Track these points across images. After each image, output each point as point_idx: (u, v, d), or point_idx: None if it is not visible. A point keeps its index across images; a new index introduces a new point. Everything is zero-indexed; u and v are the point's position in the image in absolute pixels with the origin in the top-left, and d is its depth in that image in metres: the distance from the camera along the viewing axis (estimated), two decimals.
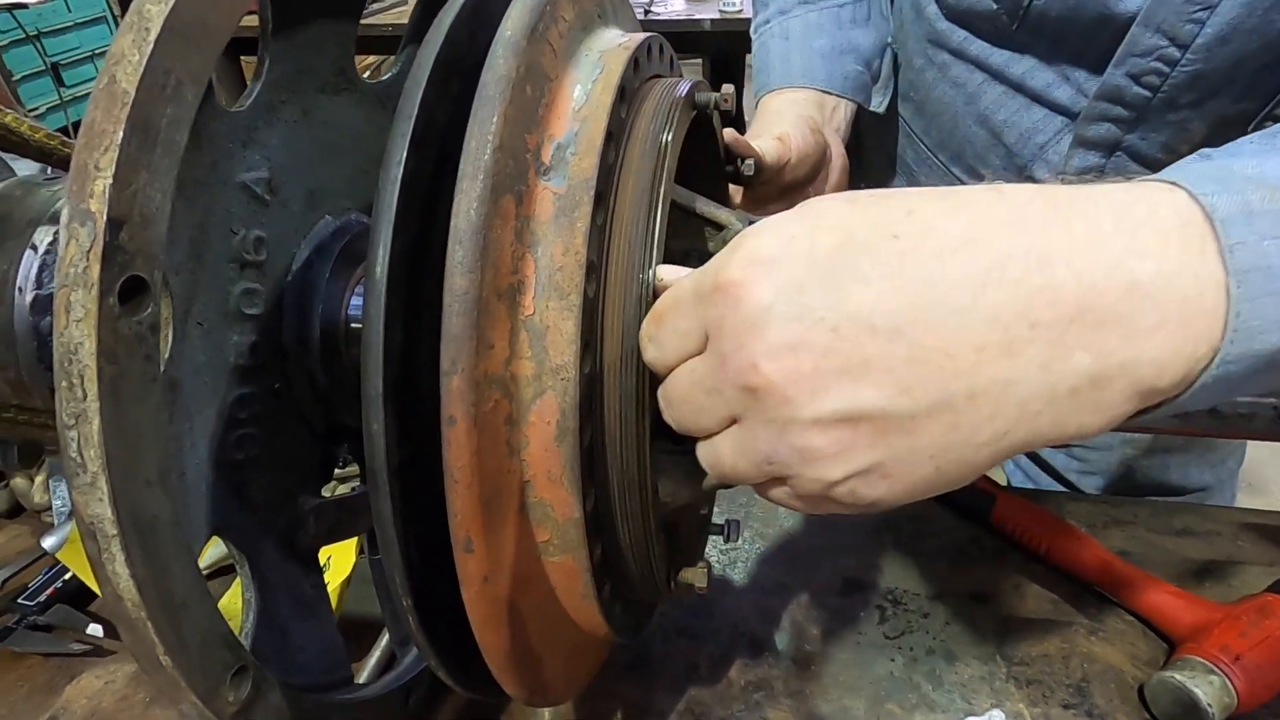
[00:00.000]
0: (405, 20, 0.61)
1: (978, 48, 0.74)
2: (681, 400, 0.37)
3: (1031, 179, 0.67)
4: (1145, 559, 0.74)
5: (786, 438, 0.33)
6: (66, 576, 0.79)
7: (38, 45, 5.18)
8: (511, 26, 0.40)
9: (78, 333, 0.34)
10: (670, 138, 0.45)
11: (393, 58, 0.63)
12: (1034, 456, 1.02)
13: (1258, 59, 0.61)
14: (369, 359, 0.38)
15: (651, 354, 0.38)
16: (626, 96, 0.45)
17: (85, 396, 0.34)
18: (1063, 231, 0.32)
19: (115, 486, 0.35)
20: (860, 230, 0.33)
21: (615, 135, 0.43)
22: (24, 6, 3.86)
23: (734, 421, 0.35)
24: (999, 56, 0.73)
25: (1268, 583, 0.68)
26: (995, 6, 0.70)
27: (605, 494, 0.43)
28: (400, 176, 0.38)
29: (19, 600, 0.77)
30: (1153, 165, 0.71)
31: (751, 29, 0.92)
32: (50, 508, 0.89)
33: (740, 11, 2.63)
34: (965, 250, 0.31)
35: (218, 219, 0.48)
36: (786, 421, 0.32)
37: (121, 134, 0.34)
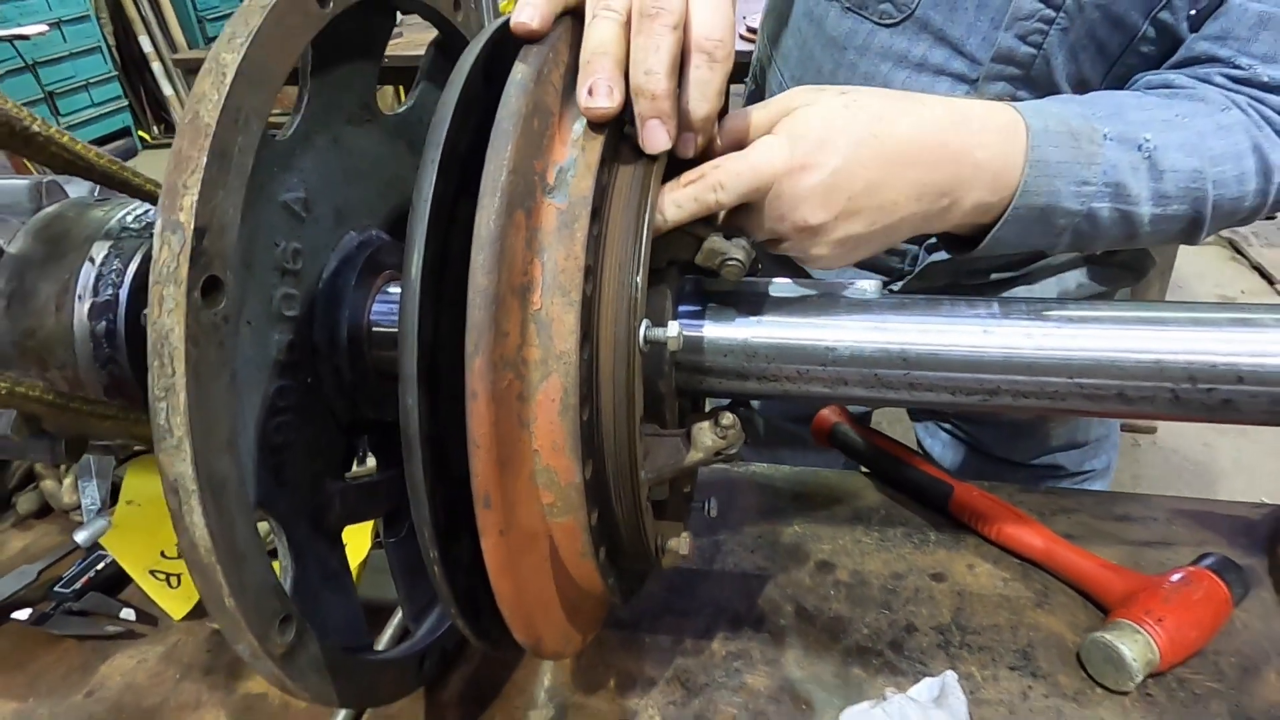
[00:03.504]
0: (400, 52, 0.69)
1: (879, 39, 0.84)
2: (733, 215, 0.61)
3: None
4: (1088, 541, 0.82)
5: (807, 247, 0.61)
6: (100, 566, 0.85)
7: (35, 74, 5.28)
8: (521, 71, 0.48)
9: (169, 321, 0.41)
10: (656, 163, 0.53)
11: (397, 88, 0.71)
12: (975, 446, 1.12)
13: (1105, 24, 0.73)
14: (404, 345, 0.45)
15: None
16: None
17: (174, 374, 0.41)
18: (952, 129, 0.61)
19: (196, 450, 0.42)
20: (861, 138, 0.59)
21: (607, 160, 0.51)
22: (25, 38, 3.94)
23: (773, 232, 0.61)
24: (899, 42, 0.83)
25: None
26: None
27: (601, 464, 0.50)
28: (431, 195, 0.46)
29: (55, 589, 0.83)
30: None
31: None
32: (79, 506, 0.95)
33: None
34: (907, 157, 0.60)
35: (264, 233, 0.55)
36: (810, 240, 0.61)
37: (205, 159, 0.42)
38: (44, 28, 4.53)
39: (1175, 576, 0.72)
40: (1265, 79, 0.70)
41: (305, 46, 0.50)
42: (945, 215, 0.63)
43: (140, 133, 6.29)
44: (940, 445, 1.18)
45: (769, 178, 0.57)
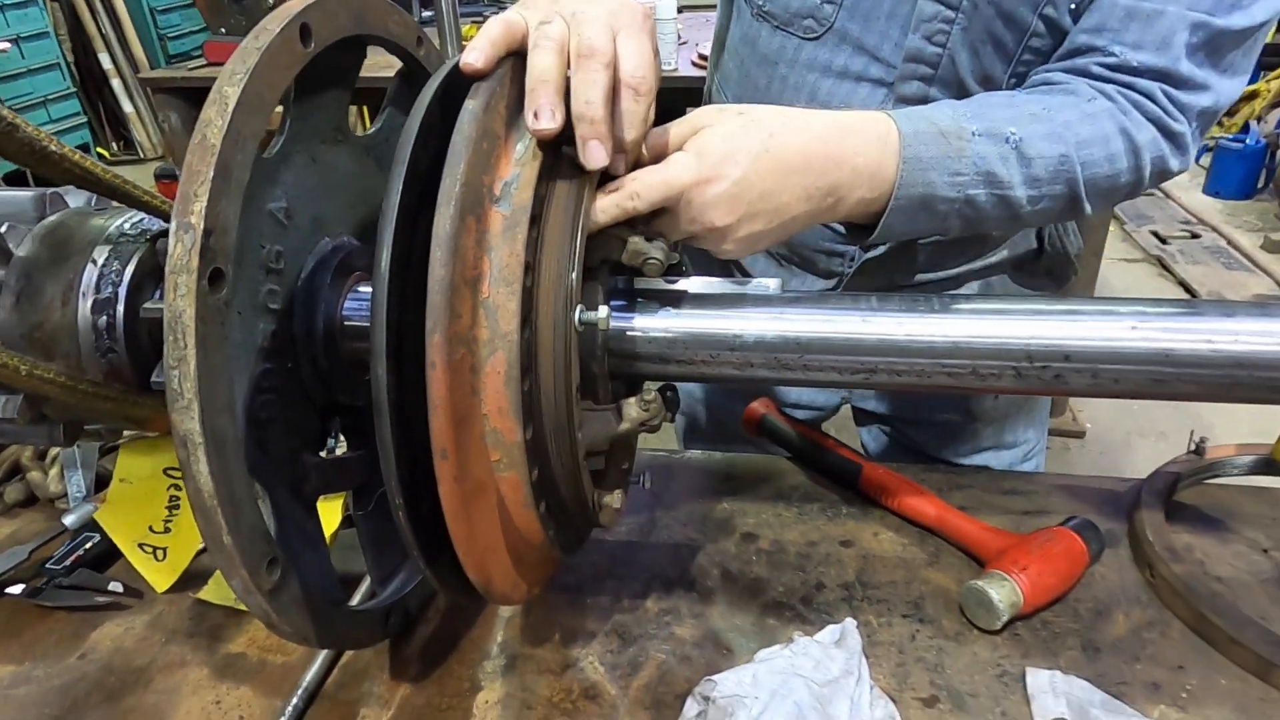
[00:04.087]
0: (365, 74, 0.77)
1: (805, 53, 0.96)
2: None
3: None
4: (977, 511, 0.94)
5: (716, 243, 0.73)
6: (88, 546, 0.92)
7: None
8: (472, 102, 0.59)
9: (182, 304, 0.50)
10: (587, 180, 0.64)
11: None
12: (911, 446, 1.24)
13: (999, 20, 0.84)
14: (375, 324, 0.55)
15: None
16: (555, 150, 0.63)
17: (185, 346, 0.50)
18: (835, 141, 0.73)
19: (203, 409, 0.51)
20: (756, 153, 0.70)
21: (545, 176, 0.61)
22: None
23: (687, 233, 0.72)
24: (823, 54, 0.95)
25: None
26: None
27: (540, 428, 0.61)
28: (397, 204, 0.56)
29: (46, 565, 0.90)
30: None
31: None
32: (64, 495, 1.02)
33: (675, 70, 2.89)
34: (795, 165, 0.71)
35: (252, 236, 0.65)
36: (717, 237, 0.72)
37: (211, 174, 0.52)
38: (4, 45, 4.53)
39: (1041, 535, 0.84)
40: (1135, 64, 0.81)
41: (291, 79, 0.60)
42: (834, 210, 0.76)
43: (99, 149, 6.27)
44: (880, 446, 1.29)
45: (679, 189, 0.68)
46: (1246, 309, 0.66)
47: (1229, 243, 4.51)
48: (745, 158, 0.70)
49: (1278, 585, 0.85)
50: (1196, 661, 0.77)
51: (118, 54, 6.17)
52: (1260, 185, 5.04)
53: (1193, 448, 0.97)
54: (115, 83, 6.23)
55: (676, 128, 0.73)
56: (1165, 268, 4.31)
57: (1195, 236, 4.61)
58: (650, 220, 0.71)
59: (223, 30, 3.47)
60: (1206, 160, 5.21)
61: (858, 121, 0.76)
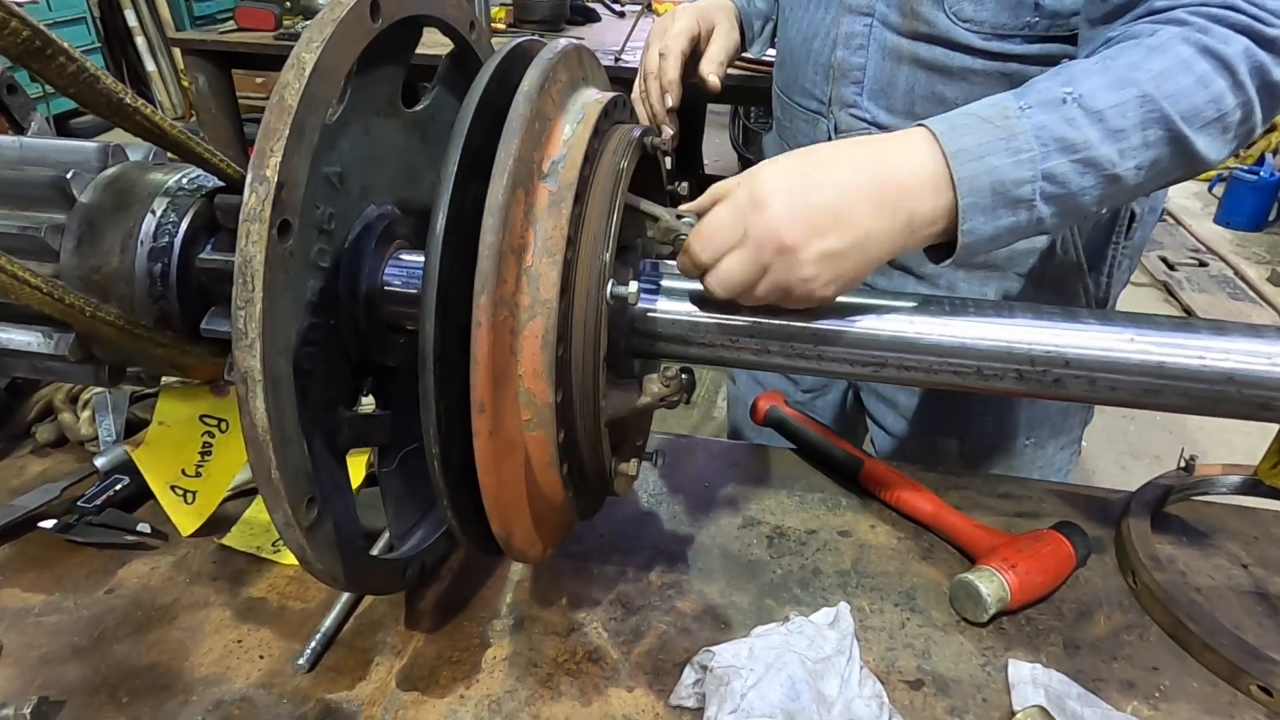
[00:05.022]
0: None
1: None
2: (728, 272, 0.69)
3: (830, 66, 1.07)
4: (971, 511, 0.98)
5: (795, 271, 0.68)
6: (117, 488, 0.96)
7: None
8: (528, 84, 0.63)
9: (253, 249, 0.54)
10: (625, 164, 0.67)
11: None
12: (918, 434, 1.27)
13: None
14: (428, 281, 0.59)
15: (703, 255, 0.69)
16: (599, 134, 0.67)
17: (253, 289, 0.54)
18: (874, 159, 0.70)
19: (264, 349, 0.55)
20: (799, 171, 0.69)
21: (590, 158, 0.65)
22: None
23: (765, 270, 0.68)
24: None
25: None
26: None
27: (569, 393, 0.65)
28: (454, 172, 0.60)
29: (77, 503, 0.94)
30: (898, 29, 1.00)
31: None
32: (95, 438, 1.06)
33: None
34: (846, 181, 0.69)
35: (309, 197, 0.68)
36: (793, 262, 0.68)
37: (287, 132, 0.55)
38: None
39: (1031, 537, 0.88)
40: None
41: (359, 52, 0.64)
42: (910, 228, 0.70)
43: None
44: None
45: (729, 226, 0.68)
46: (1239, 328, 0.70)
47: (1236, 273, 4.55)
48: (786, 173, 0.69)
49: (1253, 598, 0.89)
50: (1170, 664, 0.81)
51: (144, 12, 6.21)
52: (1272, 218, 5.09)
53: (1183, 464, 1.01)
54: (139, 41, 6.27)
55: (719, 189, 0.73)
56: (1171, 293, 4.35)
57: (1203, 265, 4.64)
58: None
59: None
60: (1219, 190, 5.24)
61: (888, 140, 0.72)
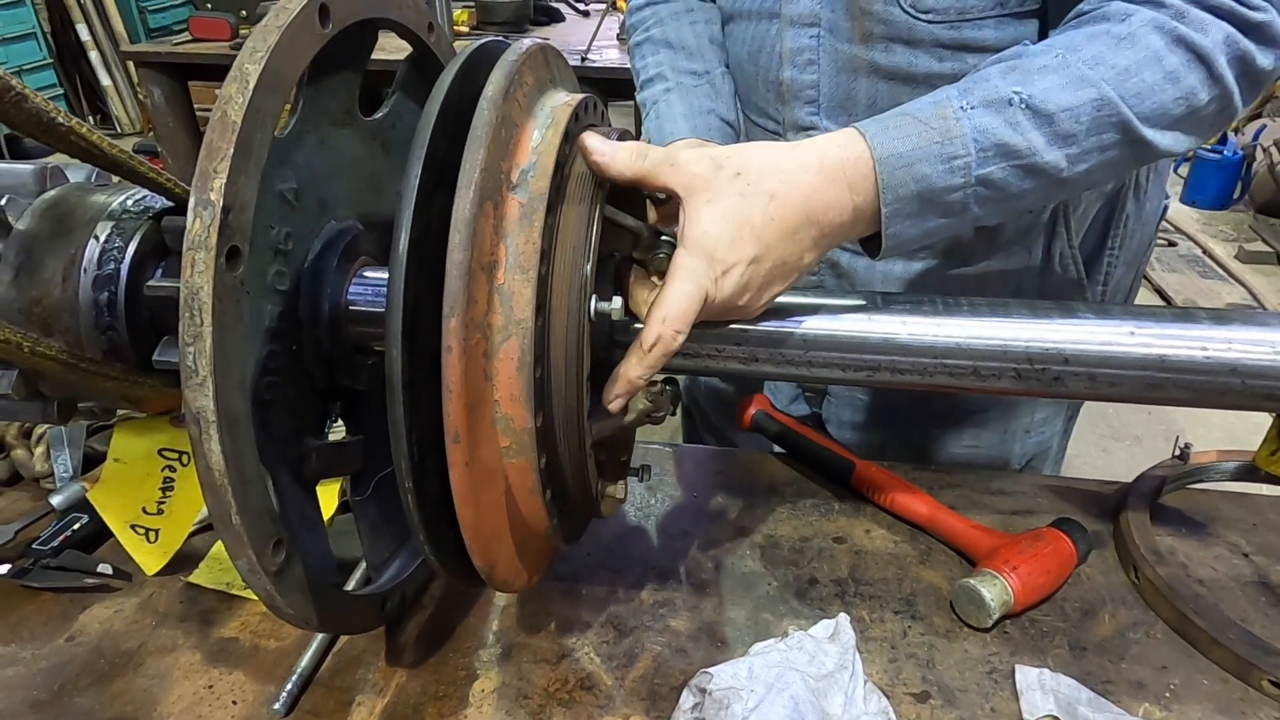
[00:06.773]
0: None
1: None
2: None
3: (779, 82, 0.99)
4: (967, 510, 0.95)
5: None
6: (75, 527, 0.91)
7: None
8: (492, 88, 0.59)
9: (199, 280, 0.50)
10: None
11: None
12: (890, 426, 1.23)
13: None
14: (392, 305, 0.55)
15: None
16: (569, 139, 0.63)
17: (202, 324, 0.50)
18: (830, 175, 0.67)
19: (217, 387, 0.51)
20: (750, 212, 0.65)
21: (561, 165, 0.61)
22: None
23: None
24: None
25: None
26: None
27: (550, 415, 0.61)
28: (416, 185, 0.56)
29: (33, 546, 0.89)
30: (849, 36, 0.91)
31: (637, 98, 1.14)
32: (50, 475, 1.00)
33: None
34: (797, 212, 0.66)
35: (263, 217, 0.64)
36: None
37: (231, 150, 0.51)
38: None
39: (1031, 536, 0.86)
40: None
41: (309, 60, 0.60)
42: (846, 238, 0.71)
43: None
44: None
45: (698, 307, 0.64)
46: (1241, 318, 0.68)
47: (1204, 252, 4.59)
48: (751, 237, 0.65)
49: (1257, 588, 0.87)
50: (1179, 662, 0.79)
51: (96, 26, 6.06)
52: (1236, 196, 5.14)
53: (1177, 453, 1.00)
54: (93, 55, 6.12)
55: (668, 173, 0.66)
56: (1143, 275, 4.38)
57: (1172, 245, 4.69)
58: None
59: (208, 5, 3.42)
60: (1184, 170, 5.30)
61: (827, 145, 0.69)
